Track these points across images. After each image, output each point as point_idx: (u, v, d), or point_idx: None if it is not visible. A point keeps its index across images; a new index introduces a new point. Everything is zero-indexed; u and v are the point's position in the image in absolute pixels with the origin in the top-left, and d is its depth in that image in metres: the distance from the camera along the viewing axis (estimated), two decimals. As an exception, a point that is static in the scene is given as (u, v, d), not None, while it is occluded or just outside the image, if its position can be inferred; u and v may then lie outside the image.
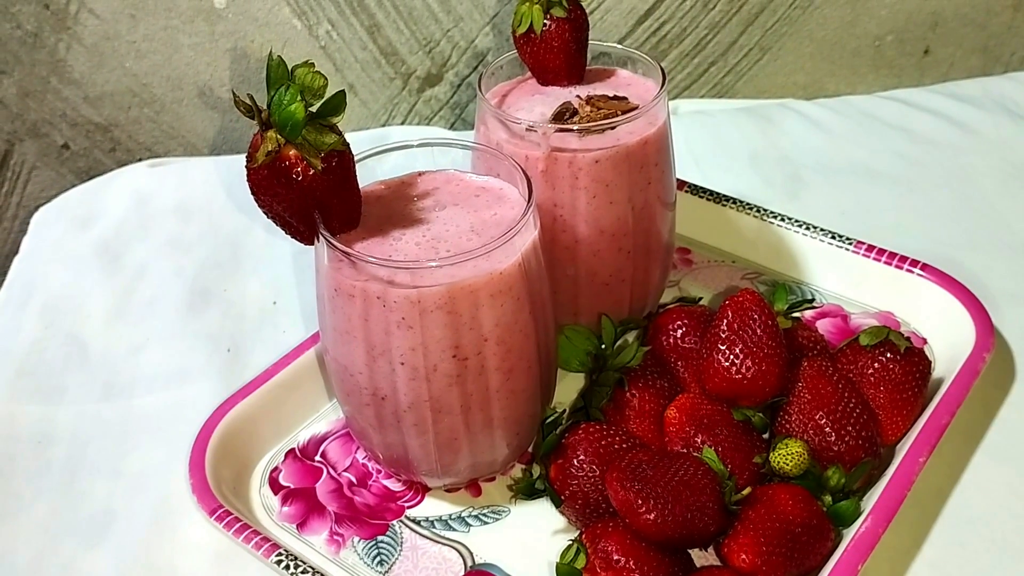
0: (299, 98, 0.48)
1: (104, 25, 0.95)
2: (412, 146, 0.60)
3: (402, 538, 0.61)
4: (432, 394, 0.55)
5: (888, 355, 0.63)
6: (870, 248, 0.75)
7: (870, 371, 0.63)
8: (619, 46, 0.71)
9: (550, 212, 0.64)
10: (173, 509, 0.63)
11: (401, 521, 0.62)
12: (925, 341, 0.71)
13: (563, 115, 0.64)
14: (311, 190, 0.50)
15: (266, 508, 0.63)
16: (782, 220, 0.79)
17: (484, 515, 0.62)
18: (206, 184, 0.95)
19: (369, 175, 0.58)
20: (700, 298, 0.74)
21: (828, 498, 0.57)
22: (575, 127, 0.63)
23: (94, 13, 0.94)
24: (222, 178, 0.96)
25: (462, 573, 0.58)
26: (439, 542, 0.60)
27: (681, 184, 0.82)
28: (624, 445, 0.59)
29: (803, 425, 0.60)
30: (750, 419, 0.61)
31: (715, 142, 0.98)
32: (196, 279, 0.84)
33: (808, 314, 0.74)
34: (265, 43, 0.98)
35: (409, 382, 0.55)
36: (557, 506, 0.60)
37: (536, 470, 0.62)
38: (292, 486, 0.64)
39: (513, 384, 0.57)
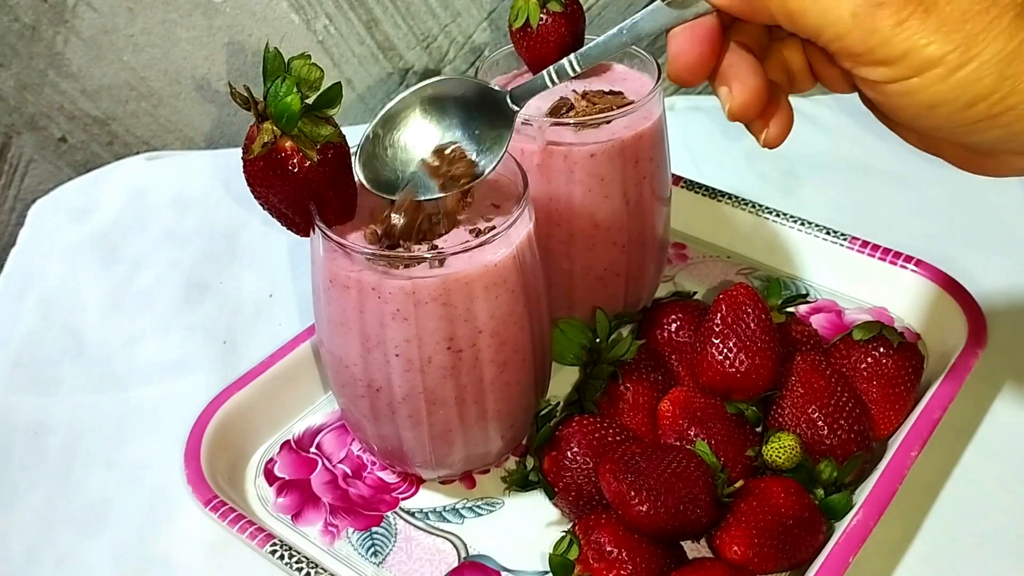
0: (295, 90, 0.49)
1: (102, 18, 0.95)
2: (408, 139, 0.60)
3: (396, 529, 0.61)
4: (427, 386, 0.56)
5: (881, 350, 0.63)
6: (864, 244, 0.75)
7: (863, 366, 0.63)
8: (615, 41, 0.71)
9: (545, 206, 0.65)
10: (168, 500, 0.63)
11: (395, 512, 0.62)
12: (919, 336, 0.71)
13: (559, 109, 0.65)
14: (307, 181, 0.51)
15: (261, 499, 0.63)
16: (777, 216, 0.79)
17: (478, 507, 0.62)
18: (203, 177, 0.96)
19: (365, 168, 0.58)
20: (695, 292, 0.74)
21: (820, 491, 0.58)
22: (571, 121, 0.63)
23: (92, 6, 0.94)
24: (219, 171, 0.96)
25: (456, 564, 0.59)
26: (433, 533, 0.61)
27: (677, 179, 0.82)
28: (617, 438, 0.59)
29: (796, 419, 0.60)
30: (743, 412, 0.61)
31: (711, 138, 0.98)
32: (192, 272, 0.84)
33: (802, 309, 0.74)
34: (263, 37, 0.98)
35: (404, 374, 0.55)
36: (550, 498, 0.60)
37: (530, 462, 0.62)
38: (287, 477, 0.64)
39: (507, 376, 0.57)
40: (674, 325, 0.67)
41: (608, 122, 0.63)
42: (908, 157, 0.93)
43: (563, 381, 0.68)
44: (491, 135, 0.55)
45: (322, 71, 0.50)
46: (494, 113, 0.55)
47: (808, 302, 0.75)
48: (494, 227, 0.54)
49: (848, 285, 0.76)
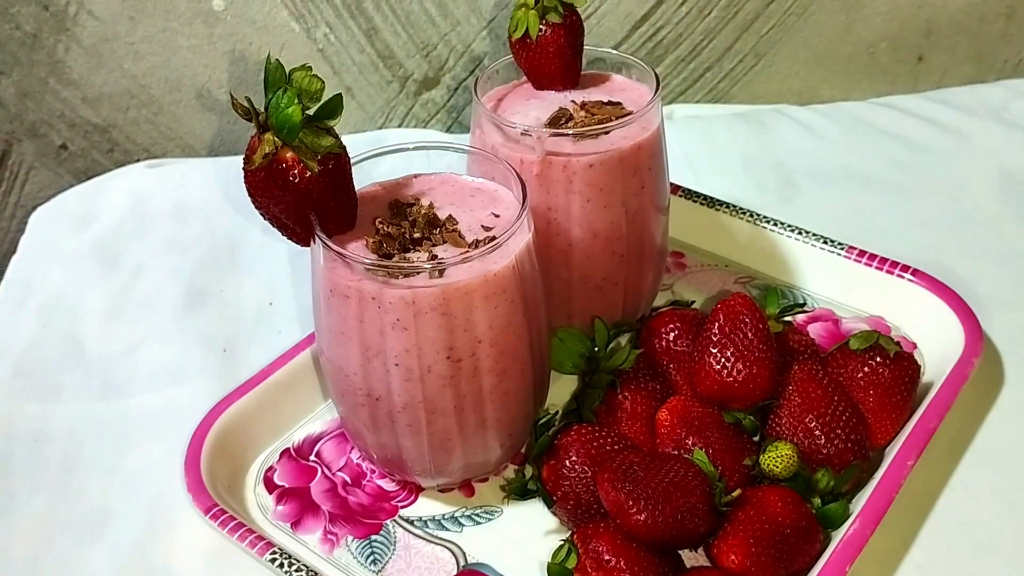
0: (296, 101, 0.49)
1: (103, 26, 0.96)
2: (408, 149, 0.61)
3: (395, 537, 0.61)
4: (426, 395, 0.56)
5: (878, 359, 0.64)
6: (862, 253, 0.76)
7: (860, 375, 0.64)
8: (614, 51, 0.71)
9: (544, 215, 0.65)
10: (168, 507, 0.63)
11: (395, 521, 0.62)
12: (915, 346, 0.71)
13: (558, 120, 0.65)
14: (307, 192, 0.51)
15: (261, 507, 0.63)
16: (775, 225, 0.79)
17: (477, 515, 0.62)
18: (203, 185, 0.96)
19: (365, 177, 0.59)
20: (693, 302, 0.75)
21: (817, 500, 0.58)
22: (570, 132, 0.63)
23: (93, 15, 0.95)
24: (219, 179, 0.96)
25: (455, 572, 0.59)
26: (432, 542, 0.61)
27: (675, 188, 0.82)
28: (616, 447, 0.59)
29: (793, 428, 0.60)
30: (740, 422, 0.61)
31: (710, 147, 0.99)
32: (193, 279, 0.84)
33: (799, 318, 0.75)
34: (263, 45, 0.99)
35: (403, 383, 0.55)
36: (549, 507, 0.61)
37: (529, 471, 0.63)
38: (287, 485, 0.64)
39: (506, 385, 0.58)
40: (672, 334, 0.67)
41: (607, 132, 0.63)
42: (906, 167, 0.95)
43: (562, 390, 0.68)
44: None
45: (323, 82, 0.50)
46: None
47: (805, 311, 0.76)
48: (493, 237, 0.55)
49: (845, 294, 0.76)
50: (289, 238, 0.55)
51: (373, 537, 0.61)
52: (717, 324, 0.62)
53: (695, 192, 0.83)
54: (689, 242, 0.83)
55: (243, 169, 0.51)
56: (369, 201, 0.58)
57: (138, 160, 1.03)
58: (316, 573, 0.55)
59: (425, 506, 0.63)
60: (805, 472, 0.59)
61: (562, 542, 0.57)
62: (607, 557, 0.54)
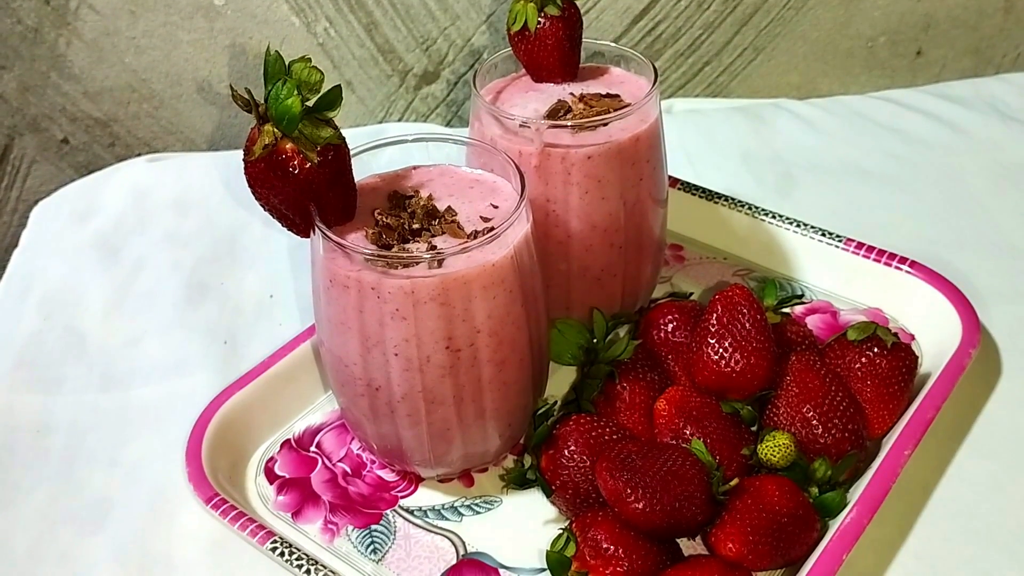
0: (296, 92, 0.49)
1: (104, 21, 0.96)
2: (407, 141, 0.61)
3: (395, 527, 0.61)
4: (425, 385, 0.56)
5: (875, 350, 0.64)
6: (860, 245, 0.76)
7: (857, 365, 0.64)
8: (612, 44, 0.72)
9: (543, 207, 0.65)
10: (170, 498, 0.64)
11: (395, 510, 0.62)
12: (913, 337, 0.72)
13: (557, 112, 0.65)
14: (307, 183, 0.51)
15: (261, 497, 0.63)
16: (773, 218, 0.80)
17: (476, 505, 0.63)
18: (204, 179, 0.96)
19: (365, 169, 0.59)
20: (691, 293, 0.75)
21: (814, 489, 0.58)
22: (568, 124, 0.63)
23: (94, 9, 0.95)
24: (220, 173, 0.96)
25: (454, 562, 0.59)
26: (432, 531, 0.61)
27: (674, 181, 0.83)
28: (614, 436, 0.60)
29: (790, 418, 0.61)
30: (738, 412, 0.62)
31: (709, 141, 0.99)
32: (194, 272, 0.84)
33: (798, 310, 0.75)
34: (263, 40, 0.99)
35: (403, 373, 0.56)
36: (548, 496, 0.61)
37: (527, 461, 0.63)
38: (287, 476, 0.65)
39: (505, 376, 0.58)
40: (670, 325, 0.67)
41: (605, 124, 0.64)
42: (904, 161, 0.95)
43: (561, 381, 0.69)
44: None
45: (322, 74, 0.50)
46: None
47: (803, 303, 0.76)
48: (492, 228, 0.55)
49: (843, 286, 0.76)
50: (289, 229, 0.55)
51: (373, 527, 0.61)
52: (715, 315, 0.62)
53: (694, 185, 0.83)
54: (688, 235, 0.83)
55: (243, 160, 0.52)
56: (368, 193, 0.59)
57: (139, 154, 1.04)
58: (316, 562, 0.55)
59: (425, 496, 0.63)
60: (802, 461, 0.59)
61: (561, 531, 0.57)
62: (605, 545, 0.54)
